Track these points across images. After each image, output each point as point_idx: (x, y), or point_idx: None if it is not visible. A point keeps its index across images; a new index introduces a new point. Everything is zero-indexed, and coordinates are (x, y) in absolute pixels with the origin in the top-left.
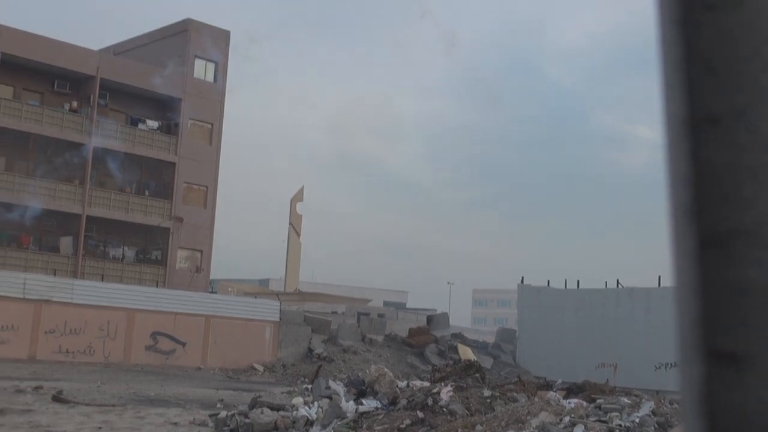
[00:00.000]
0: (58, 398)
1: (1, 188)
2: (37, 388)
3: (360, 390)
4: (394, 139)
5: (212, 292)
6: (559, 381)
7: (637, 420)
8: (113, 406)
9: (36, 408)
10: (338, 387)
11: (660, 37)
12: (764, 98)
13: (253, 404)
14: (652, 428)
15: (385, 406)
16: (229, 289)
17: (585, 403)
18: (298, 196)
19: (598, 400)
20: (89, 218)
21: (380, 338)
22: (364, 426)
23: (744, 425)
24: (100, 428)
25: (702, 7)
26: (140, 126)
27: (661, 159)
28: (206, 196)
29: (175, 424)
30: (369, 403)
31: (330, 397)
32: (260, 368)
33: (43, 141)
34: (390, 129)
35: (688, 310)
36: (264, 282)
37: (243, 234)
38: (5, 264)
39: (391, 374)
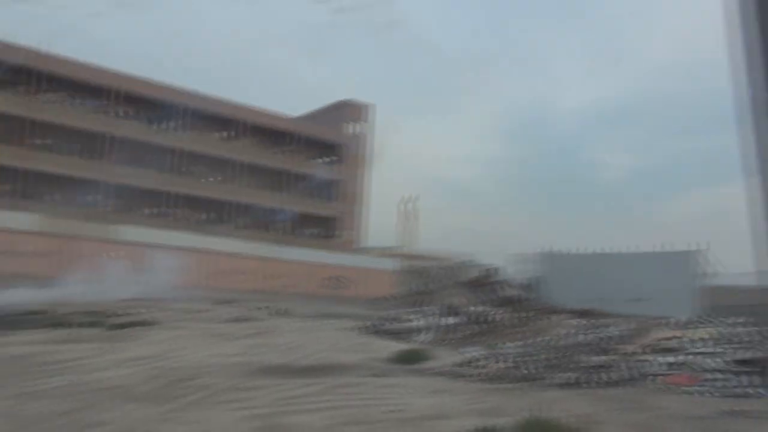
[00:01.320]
0: (277, 312)
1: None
2: (265, 307)
3: (447, 311)
4: (463, 164)
5: (362, 254)
6: (569, 307)
7: (616, 333)
8: (307, 317)
9: (265, 318)
10: (434, 309)
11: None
12: None
13: (386, 317)
14: (622, 338)
15: (463, 321)
16: (372, 252)
17: (584, 321)
18: (410, 200)
19: (592, 320)
20: (294, 213)
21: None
22: (449, 333)
23: None
24: (301, 328)
25: None
26: (318, 160)
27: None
28: (359, 199)
29: (343, 329)
30: (453, 319)
31: (430, 315)
32: (388, 297)
33: (274, 171)
34: (460, 158)
35: None
36: (389, 248)
37: (379, 221)
38: (248, 237)
39: (466, 302)
